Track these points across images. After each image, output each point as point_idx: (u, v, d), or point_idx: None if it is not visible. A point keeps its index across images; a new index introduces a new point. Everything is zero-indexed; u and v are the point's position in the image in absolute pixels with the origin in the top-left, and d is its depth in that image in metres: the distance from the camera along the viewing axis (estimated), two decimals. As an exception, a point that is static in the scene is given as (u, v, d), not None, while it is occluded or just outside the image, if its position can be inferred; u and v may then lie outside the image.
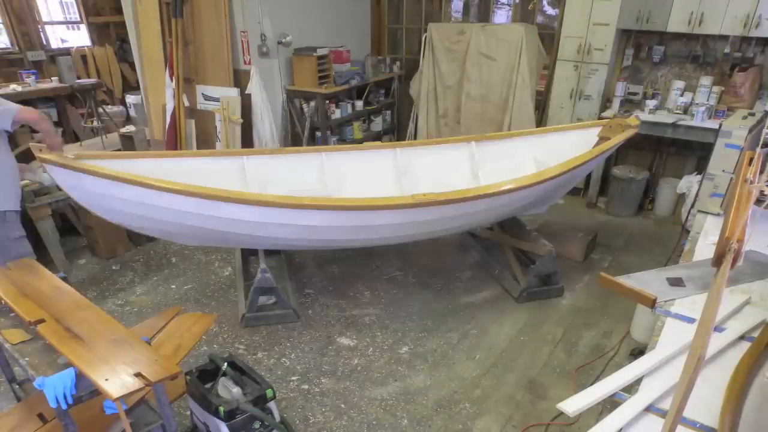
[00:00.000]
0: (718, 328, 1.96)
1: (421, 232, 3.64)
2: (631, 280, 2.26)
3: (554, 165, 3.62)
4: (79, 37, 7.50)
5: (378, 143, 5.38)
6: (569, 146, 4.11)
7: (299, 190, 3.75)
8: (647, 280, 2.29)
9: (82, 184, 2.84)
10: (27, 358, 1.93)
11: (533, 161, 4.18)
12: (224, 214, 3.00)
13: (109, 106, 7.35)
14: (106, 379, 1.79)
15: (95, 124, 6.04)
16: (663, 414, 1.59)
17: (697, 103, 4.84)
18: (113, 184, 2.82)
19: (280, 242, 3.53)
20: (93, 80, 6.62)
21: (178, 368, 1.92)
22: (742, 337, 1.95)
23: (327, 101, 5.71)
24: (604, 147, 3.86)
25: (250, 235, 3.27)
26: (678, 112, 4.85)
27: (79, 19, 7.42)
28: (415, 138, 6.47)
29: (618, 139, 3.88)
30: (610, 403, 1.69)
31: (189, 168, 3.46)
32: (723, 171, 2.90)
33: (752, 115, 3.18)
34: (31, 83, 6.30)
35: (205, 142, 5.50)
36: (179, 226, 3.16)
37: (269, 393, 2.32)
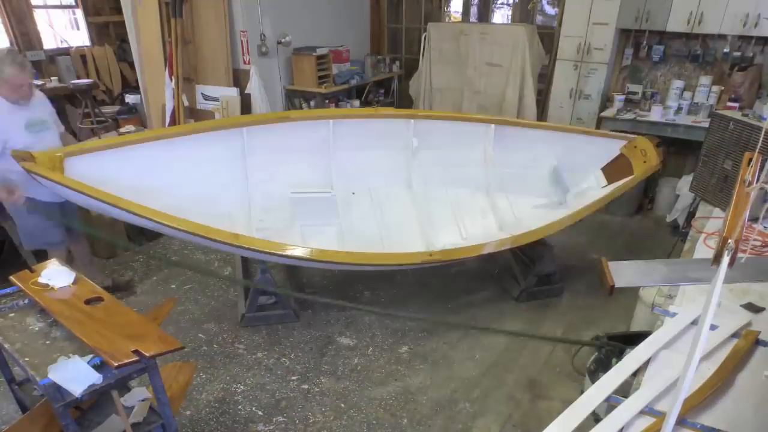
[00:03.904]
0: (711, 326, 1.97)
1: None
2: (620, 266, 2.28)
3: (564, 215, 3.68)
4: (79, 37, 7.48)
5: (392, 110, 5.17)
6: (588, 153, 4.02)
7: (302, 187, 3.75)
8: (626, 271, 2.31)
9: (70, 194, 2.79)
10: (27, 358, 1.93)
11: (552, 159, 4.13)
12: (228, 248, 3.06)
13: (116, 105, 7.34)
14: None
15: (93, 124, 6.05)
16: (658, 415, 1.60)
17: (696, 103, 4.84)
18: (97, 203, 2.75)
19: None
20: (89, 80, 6.62)
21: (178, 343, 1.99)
22: (734, 335, 1.96)
23: (326, 101, 5.71)
24: (616, 191, 3.81)
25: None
26: (677, 111, 4.85)
27: (75, 17, 7.39)
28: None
29: (635, 179, 3.77)
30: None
31: (186, 155, 3.39)
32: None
33: (746, 116, 3.17)
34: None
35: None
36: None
37: None
